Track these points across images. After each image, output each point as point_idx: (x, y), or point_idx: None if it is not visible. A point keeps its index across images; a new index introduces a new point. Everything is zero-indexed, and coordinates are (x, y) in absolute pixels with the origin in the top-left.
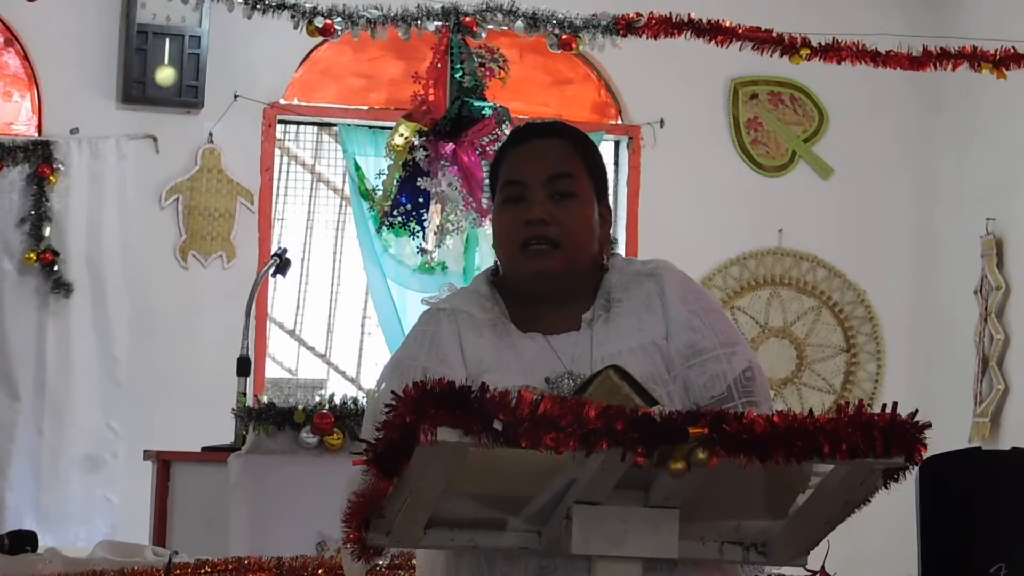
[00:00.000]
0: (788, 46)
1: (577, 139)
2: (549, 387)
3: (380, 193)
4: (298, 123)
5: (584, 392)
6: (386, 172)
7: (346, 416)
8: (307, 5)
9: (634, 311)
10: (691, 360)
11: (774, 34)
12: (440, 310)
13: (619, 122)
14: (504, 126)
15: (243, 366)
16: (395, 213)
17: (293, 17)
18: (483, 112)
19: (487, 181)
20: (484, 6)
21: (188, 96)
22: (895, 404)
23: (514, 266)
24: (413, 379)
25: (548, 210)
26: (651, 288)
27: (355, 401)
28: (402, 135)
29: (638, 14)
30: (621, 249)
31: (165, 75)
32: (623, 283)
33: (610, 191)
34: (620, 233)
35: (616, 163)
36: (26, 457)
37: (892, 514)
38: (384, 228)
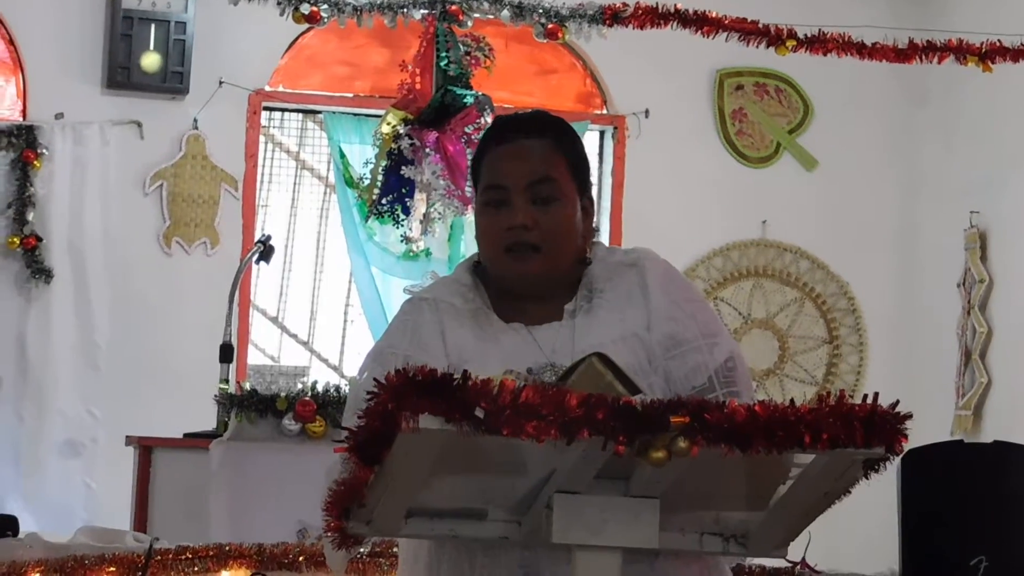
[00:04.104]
0: (774, 37)
1: (559, 135)
2: (531, 378)
3: (367, 182)
4: (283, 110)
5: (567, 379)
6: (373, 161)
7: (328, 404)
8: None
9: (616, 302)
10: (672, 351)
11: (760, 25)
12: (422, 300)
13: (604, 112)
14: (485, 114)
15: (226, 353)
16: (383, 202)
17: (279, 4)
18: (465, 100)
19: (471, 171)
20: None
21: (173, 82)
22: (876, 395)
23: (497, 267)
24: (394, 368)
25: (530, 215)
26: (633, 279)
27: (337, 389)
28: (389, 123)
29: (624, 4)
30: (604, 238)
31: (150, 61)
32: (606, 274)
33: (594, 181)
34: (604, 223)
35: (601, 153)
36: (7, 443)
37: (874, 506)
38: (372, 217)
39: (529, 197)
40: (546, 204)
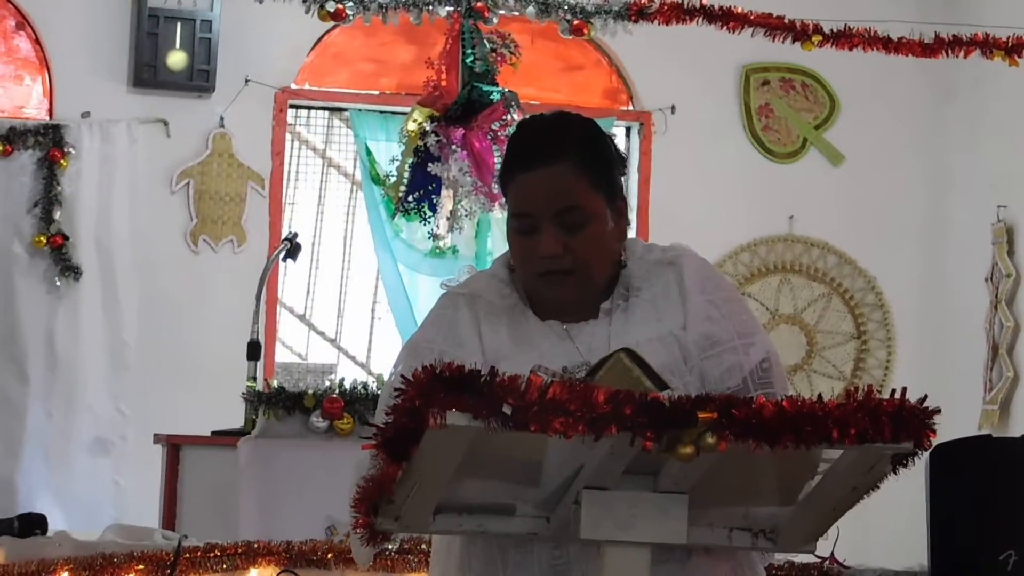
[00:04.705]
0: (800, 32)
1: (580, 151)
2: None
3: (394, 179)
4: (309, 108)
5: (595, 375)
6: (399, 158)
7: (356, 401)
8: None
9: (653, 301)
10: (708, 351)
11: (786, 20)
12: (459, 295)
13: (630, 108)
14: (512, 111)
15: (253, 350)
16: (410, 199)
17: (305, 1)
18: (492, 97)
19: (498, 182)
20: None
21: (199, 80)
22: (904, 389)
23: (532, 290)
24: (428, 363)
25: (560, 243)
26: (670, 277)
27: (365, 386)
28: (415, 120)
29: (650, 0)
30: (631, 234)
31: (176, 59)
32: (643, 272)
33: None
34: (631, 219)
35: (627, 149)
36: (36, 440)
37: (902, 501)
38: (399, 214)
39: (557, 223)
40: (576, 230)
